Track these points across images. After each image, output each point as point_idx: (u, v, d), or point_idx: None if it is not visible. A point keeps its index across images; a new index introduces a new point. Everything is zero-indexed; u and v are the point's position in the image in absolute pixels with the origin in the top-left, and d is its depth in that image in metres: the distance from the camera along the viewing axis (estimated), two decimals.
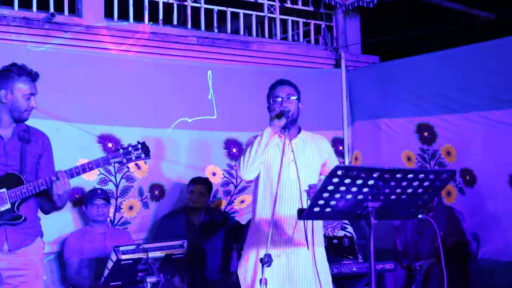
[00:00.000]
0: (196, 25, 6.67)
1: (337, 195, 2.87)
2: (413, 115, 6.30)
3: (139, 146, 3.80)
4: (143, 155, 3.80)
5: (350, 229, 5.67)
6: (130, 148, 3.77)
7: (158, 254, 4.14)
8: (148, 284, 4.06)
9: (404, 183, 2.89)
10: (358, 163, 6.75)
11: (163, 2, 6.42)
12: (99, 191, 5.34)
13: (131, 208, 5.74)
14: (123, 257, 4.03)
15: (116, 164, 5.19)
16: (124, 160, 3.75)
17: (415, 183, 2.91)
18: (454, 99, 5.95)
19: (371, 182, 2.83)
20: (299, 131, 3.88)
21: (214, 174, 6.11)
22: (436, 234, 4.58)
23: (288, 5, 7.23)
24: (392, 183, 2.87)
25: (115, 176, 5.63)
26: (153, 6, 6.40)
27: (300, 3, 7.30)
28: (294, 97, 3.82)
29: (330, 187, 2.83)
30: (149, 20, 6.34)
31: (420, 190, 2.95)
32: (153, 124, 5.81)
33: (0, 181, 3.59)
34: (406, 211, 3.10)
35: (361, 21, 7.56)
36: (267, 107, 3.90)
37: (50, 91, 5.01)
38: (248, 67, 6.61)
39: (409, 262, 5.57)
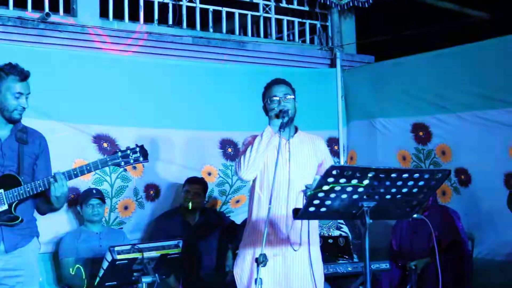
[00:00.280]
0: (191, 25, 6.67)
1: (332, 195, 2.87)
2: (408, 114, 6.30)
3: (138, 149, 3.77)
4: (141, 158, 3.78)
5: (345, 228, 5.67)
6: (128, 151, 3.75)
7: (153, 254, 4.13)
8: (144, 284, 4.06)
9: (399, 183, 2.90)
10: (353, 162, 6.75)
11: (159, 2, 6.42)
12: (94, 191, 5.33)
13: (126, 208, 5.73)
14: (119, 257, 4.03)
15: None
16: (122, 163, 3.73)
17: (410, 183, 2.92)
18: (449, 99, 5.96)
19: (366, 181, 2.84)
20: (295, 131, 3.89)
21: (209, 174, 6.11)
22: (431, 234, 4.59)
23: (283, 5, 7.23)
24: (387, 183, 2.88)
25: (110, 176, 5.62)
26: (149, 6, 6.39)
27: (295, 3, 7.30)
28: (291, 96, 3.82)
29: (326, 187, 2.83)
30: (144, 20, 6.33)
31: (415, 190, 2.96)
32: (148, 124, 5.80)
33: None
34: (401, 211, 3.10)
35: (356, 21, 7.56)
36: (262, 106, 3.90)
37: (45, 91, 5.00)
38: (243, 66, 6.61)
39: (404, 262, 5.58)
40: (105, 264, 4.14)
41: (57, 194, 3.58)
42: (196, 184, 5.70)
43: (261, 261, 3.34)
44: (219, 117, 6.15)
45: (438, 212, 5.56)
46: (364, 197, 2.90)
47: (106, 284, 4.25)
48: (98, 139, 5.58)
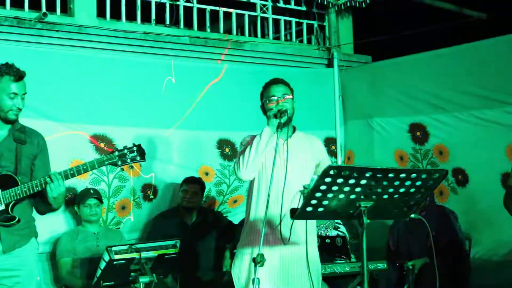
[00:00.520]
0: (188, 25, 6.66)
1: (330, 195, 2.87)
2: (406, 114, 6.31)
3: (135, 148, 3.77)
4: (138, 158, 3.77)
5: (342, 228, 5.68)
6: (125, 151, 3.74)
7: (150, 254, 4.14)
8: (141, 284, 4.06)
9: (396, 183, 2.90)
10: (350, 162, 6.76)
11: (156, 2, 6.41)
12: (91, 191, 5.32)
13: (123, 208, 5.73)
14: (116, 257, 4.03)
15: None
16: (119, 162, 3.72)
17: (408, 183, 2.91)
18: (447, 99, 5.96)
19: (363, 181, 2.83)
20: (294, 131, 3.88)
21: (207, 174, 6.11)
22: (429, 234, 4.58)
23: (281, 4, 7.23)
24: (385, 183, 2.88)
25: (107, 176, 5.62)
26: (146, 6, 6.38)
27: (292, 2, 7.30)
28: (290, 96, 3.82)
29: (323, 187, 2.83)
30: (142, 20, 6.32)
31: (412, 190, 2.96)
32: (145, 124, 5.80)
33: None
34: (399, 211, 3.10)
35: (353, 21, 7.57)
36: (260, 106, 3.89)
37: (42, 91, 5.00)
38: (241, 66, 6.60)
39: (402, 262, 5.58)
40: (102, 264, 4.14)
41: (54, 194, 3.57)
42: (194, 184, 5.70)
43: (258, 261, 3.34)
44: (216, 117, 6.15)
45: (435, 212, 5.56)
46: (362, 197, 2.90)
47: (104, 284, 4.24)
48: (95, 139, 5.58)
